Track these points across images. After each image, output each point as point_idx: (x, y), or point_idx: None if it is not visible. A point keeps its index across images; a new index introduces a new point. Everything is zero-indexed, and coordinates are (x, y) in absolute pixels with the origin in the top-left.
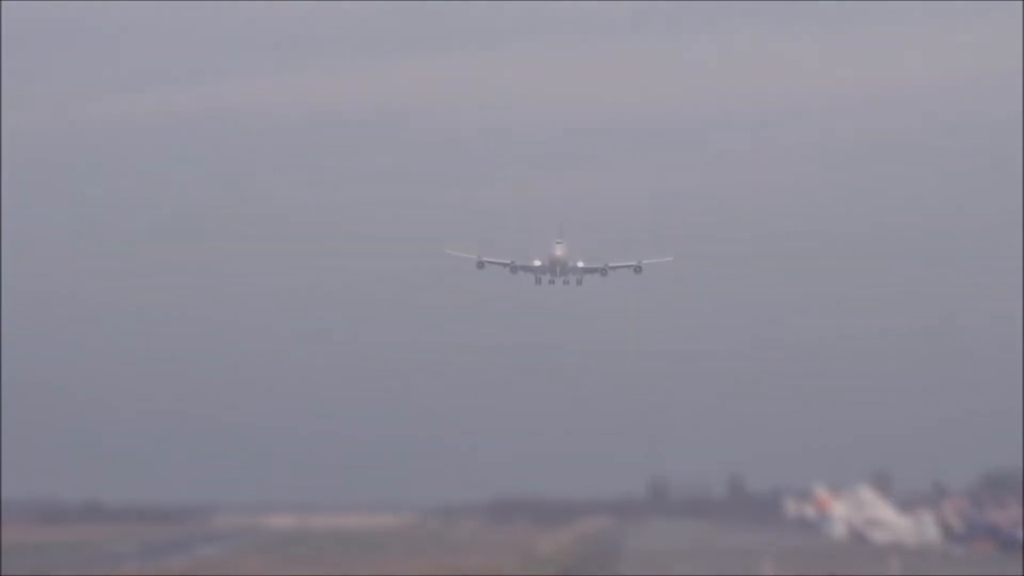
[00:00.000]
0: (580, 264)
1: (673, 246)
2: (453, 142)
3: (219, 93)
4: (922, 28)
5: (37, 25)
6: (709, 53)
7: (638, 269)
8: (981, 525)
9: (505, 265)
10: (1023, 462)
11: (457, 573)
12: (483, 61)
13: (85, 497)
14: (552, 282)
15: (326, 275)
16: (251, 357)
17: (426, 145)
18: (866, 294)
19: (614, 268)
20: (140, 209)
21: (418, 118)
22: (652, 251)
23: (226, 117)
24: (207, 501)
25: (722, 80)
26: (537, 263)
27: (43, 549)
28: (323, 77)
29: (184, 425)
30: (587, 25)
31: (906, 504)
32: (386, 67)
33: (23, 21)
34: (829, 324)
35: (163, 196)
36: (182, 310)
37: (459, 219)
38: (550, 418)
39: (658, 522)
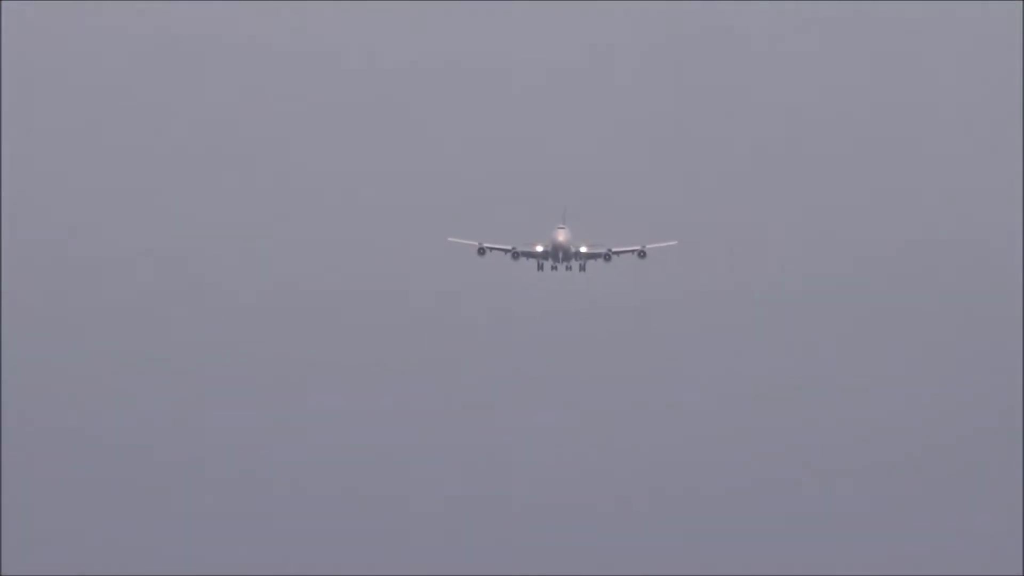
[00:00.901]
0: (583, 249)
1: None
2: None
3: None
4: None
5: None
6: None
7: (642, 254)
8: None
9: (507, 251)
10: None
11: None
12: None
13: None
14: (555, 268)
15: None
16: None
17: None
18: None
19: (617, 253)
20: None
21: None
22: (656, 235)
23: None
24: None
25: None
26: (539, 248)
27: None
28: (319, 28)
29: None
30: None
31: None
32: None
33: None
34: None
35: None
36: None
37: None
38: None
39: None
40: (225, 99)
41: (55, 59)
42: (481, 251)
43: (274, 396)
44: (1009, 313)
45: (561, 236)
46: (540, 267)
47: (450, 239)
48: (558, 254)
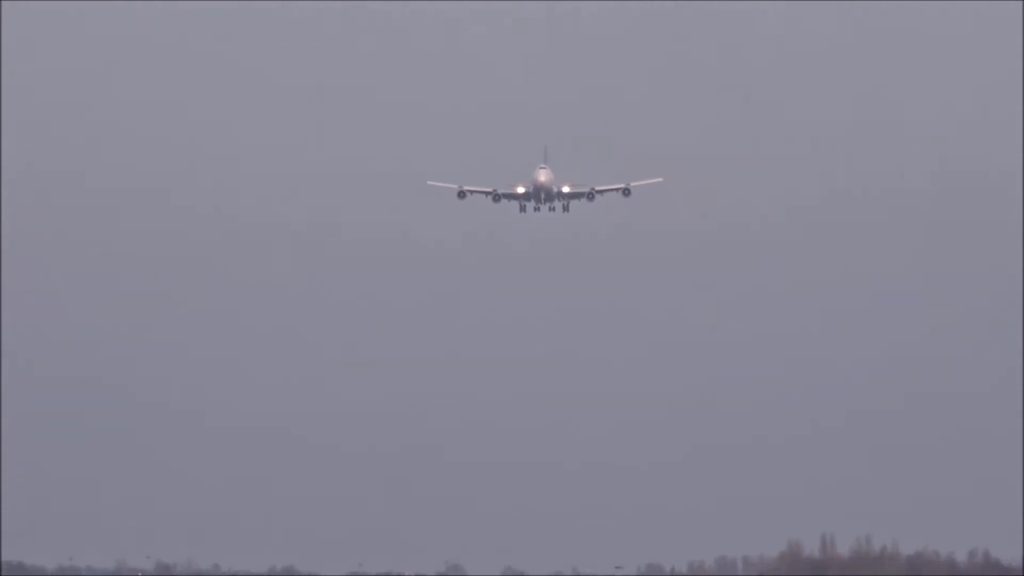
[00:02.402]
0: (566, 189)
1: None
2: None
3: None
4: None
5: None
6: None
7: (627, 192)
8: None
9: (487, 194)
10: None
11: None
12: None
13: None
14: (537, 209)
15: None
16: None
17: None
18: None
19: (601, 192)
20: None
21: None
22: (641, 172)
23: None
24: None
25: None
26: (521, 190)
27: None
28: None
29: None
30: None
31: None
32: None
33: None
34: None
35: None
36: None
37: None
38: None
39: None
40: (222, 92)
41: (55, 59)
42: (461, 194)
43: (263, 336)
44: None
45: (543, 176)
46: (522, 208)
47: (430, 182)
48: (540, 195)
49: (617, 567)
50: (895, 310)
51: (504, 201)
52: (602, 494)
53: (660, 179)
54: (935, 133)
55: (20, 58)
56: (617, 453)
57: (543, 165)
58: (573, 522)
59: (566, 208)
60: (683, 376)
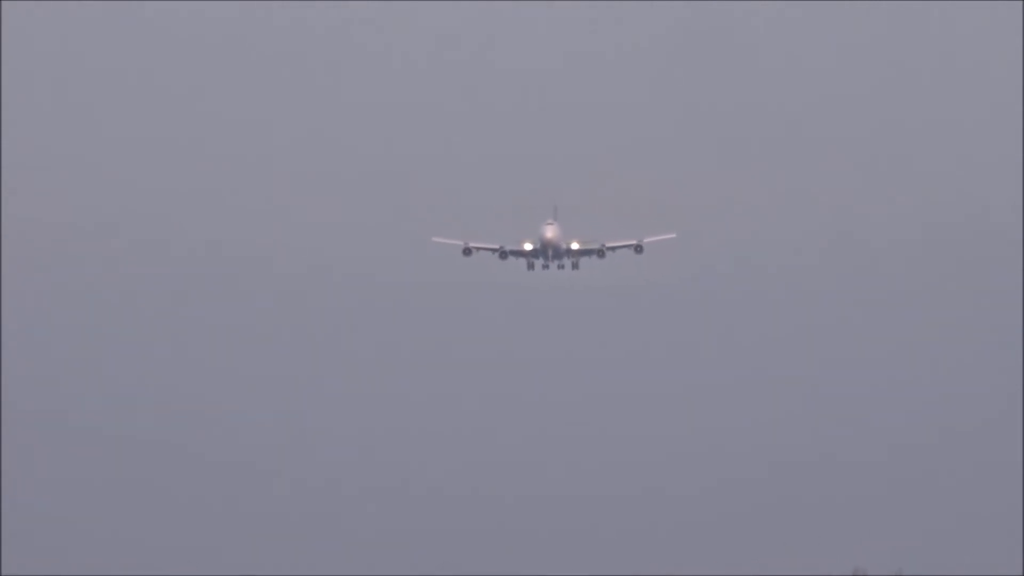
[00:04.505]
0: (575, 246)
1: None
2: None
3: None
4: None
5: None
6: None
7: (639, 249)
8: None
9: (494, 251)
10: None
11: None
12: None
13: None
14: (546, 267)
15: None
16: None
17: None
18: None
19: (612, 249)
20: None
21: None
22: (654, 228)
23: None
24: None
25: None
26: (528, 247)
27: None
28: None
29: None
30: None
31: None
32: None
33: None
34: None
35: None
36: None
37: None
38: None
39: None
40: (222, 99)
41: (55, 59)
42: (467, 251)
43: (269, 392)
44: (1009, 301)
45: (550, 233)
46: (530, 266)
47: (435, 239)
48: (548, 252)
49: None
50: (912, 349)
51: (511, 259)
52: (609, 530)
53: (673, 235)
54: (935, 145)
55: (20, 58)
56: (628, 487)
57: (550, 221)
58: (574, 552)
59: (575, 265)
60: (693, 419)
